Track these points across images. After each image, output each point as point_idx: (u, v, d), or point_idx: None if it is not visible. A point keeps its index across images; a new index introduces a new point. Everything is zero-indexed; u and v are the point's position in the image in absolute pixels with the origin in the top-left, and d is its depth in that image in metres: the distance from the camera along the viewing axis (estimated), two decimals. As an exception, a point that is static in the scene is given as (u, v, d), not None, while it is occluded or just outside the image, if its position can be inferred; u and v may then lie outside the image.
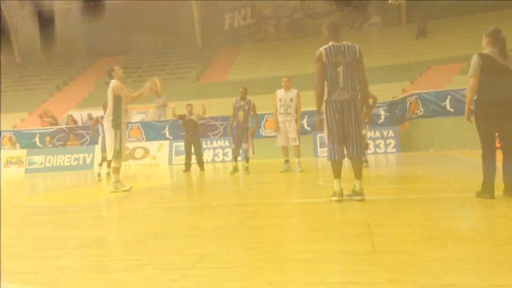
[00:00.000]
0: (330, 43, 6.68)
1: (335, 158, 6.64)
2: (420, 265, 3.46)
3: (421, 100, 21.02)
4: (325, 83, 6.65)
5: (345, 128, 6.60)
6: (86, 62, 38.30)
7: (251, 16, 37.58)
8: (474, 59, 6.21)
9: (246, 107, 13.32)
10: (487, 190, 6.17)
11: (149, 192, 10.48)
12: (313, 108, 7.64)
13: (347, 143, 6.63)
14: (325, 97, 6.67)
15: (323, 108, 6.71)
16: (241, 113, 13.29)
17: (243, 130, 13.26)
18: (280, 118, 12.84)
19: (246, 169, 13.31)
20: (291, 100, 12.75)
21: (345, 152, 6.68)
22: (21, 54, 39.82)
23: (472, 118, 6.34)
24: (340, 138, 6.61)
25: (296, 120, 12.75)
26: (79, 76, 36.86)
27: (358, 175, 6.67)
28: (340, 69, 6.56)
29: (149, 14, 37.42)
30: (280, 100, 12.83)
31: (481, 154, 6.28)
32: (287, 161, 13.13)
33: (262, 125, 22.15)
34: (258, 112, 13.83)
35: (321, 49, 6.67)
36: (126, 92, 9.78)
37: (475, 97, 6.29)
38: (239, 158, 13.74)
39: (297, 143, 12.83)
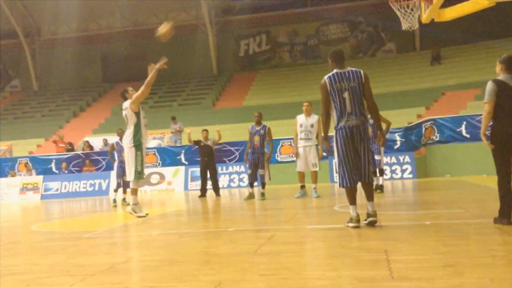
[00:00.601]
0: (334, 71, 6.80)
1: (347, 185, 6.68)
2: (438, 293, 3.42)
3: (436, 125, 20.99)
4: (333, 110, 6.72)
5: (356, 154, 6.63)
6: (102, 88, 38.64)
7: (266, 43, 37.82)
8: (489, 85, 6.23)
9: (262, 131, 13.34)
10: (504, 216, 6.14)
11: (165, 218, 10.47)
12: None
13: (358, 168, 6.66)
14: (334, 124, 6.73)
15: (333, 134, 6.77)
16: (256, 138, 13.28)
17: (259, 156, 13.25)
18: (301, 143, 12.85)
19: (262, 194, 13.28)
20: (312, 125, 12.77)
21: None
22: (38, 81, 40.27)
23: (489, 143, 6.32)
24: (351, 164, 6.64)
25: (317, 146, 12.75)
26: (95, 102, 37.17)
27: (369, 197, 6.73)
28: (346, 95, 6.64)
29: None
30: (301, 125, 12.85)
31: (497, 180, 6.24)
32: (303, 187, 13.11)
33: (278, 150, 22.14)
34: (273, 138, 13.84)
35: (325, 77, 6.80)
36: (139, 93, 9.73)
37: (491, 123, 6.29)
38: (255, 183, 13.70)
39: (317, 168, 12.84)
